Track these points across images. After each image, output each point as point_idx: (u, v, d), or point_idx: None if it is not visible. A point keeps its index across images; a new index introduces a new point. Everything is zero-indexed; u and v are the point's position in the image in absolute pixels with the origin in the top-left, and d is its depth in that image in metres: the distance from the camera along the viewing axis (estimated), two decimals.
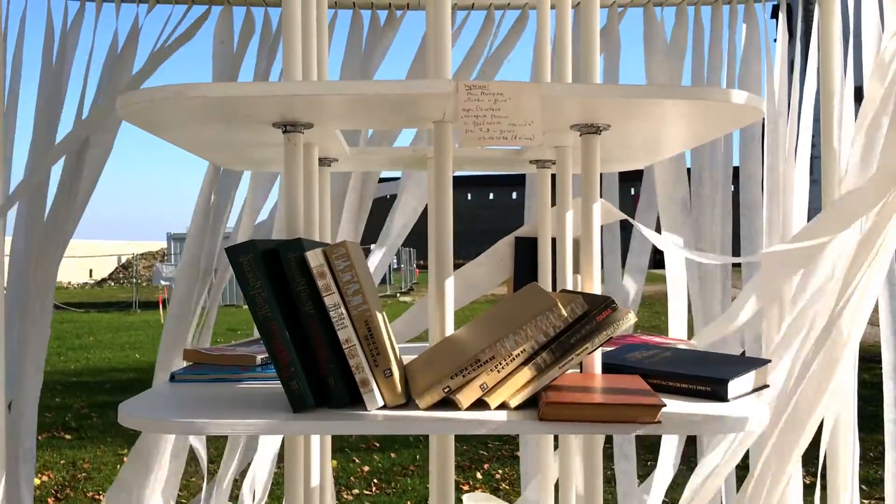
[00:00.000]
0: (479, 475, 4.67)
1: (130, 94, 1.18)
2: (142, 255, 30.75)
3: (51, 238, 2.37)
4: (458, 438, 5.29)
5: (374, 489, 4.44)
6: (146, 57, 2.49)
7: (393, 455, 5.08)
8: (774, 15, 2.81)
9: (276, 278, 1.17)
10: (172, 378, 1.46)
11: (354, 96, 1.17)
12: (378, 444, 5.30)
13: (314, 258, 1.16)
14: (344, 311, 1.16)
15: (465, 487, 4.47)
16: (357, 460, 4.96)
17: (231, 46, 2.52)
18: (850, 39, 2.29)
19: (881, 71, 1.87)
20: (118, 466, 5.00)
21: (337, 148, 1.61)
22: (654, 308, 14.29)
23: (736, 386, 1.27)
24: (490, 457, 5.03)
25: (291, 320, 1.17)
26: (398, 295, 19.23)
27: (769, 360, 1.36)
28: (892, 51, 1.85)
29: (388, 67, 2.78)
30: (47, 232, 2.37)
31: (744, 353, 2.43)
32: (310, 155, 1.50)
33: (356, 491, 4.41)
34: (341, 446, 5.20)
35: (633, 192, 2.69)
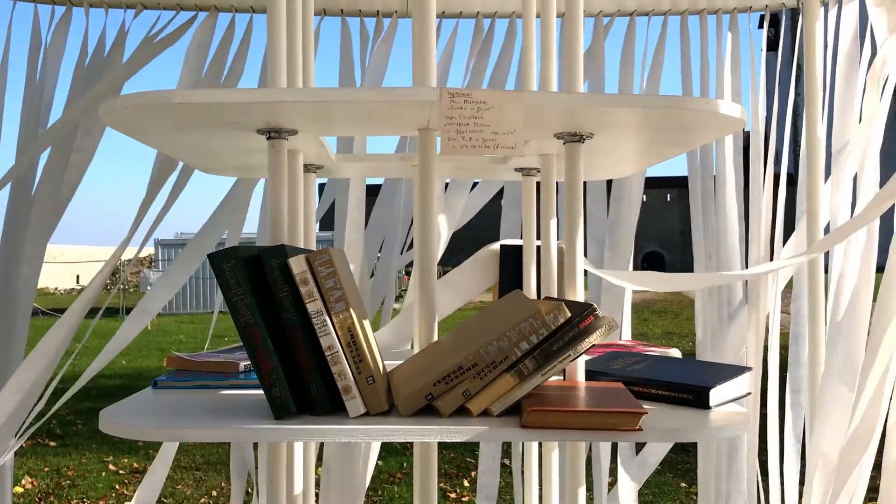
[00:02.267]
0: (466, 483, 4.66)
1: (114, 100, 1.18)
2: (129, 261, 30.57)
3: (31, 242, 2.36)
4: (446, 446, 5.27)
5: None
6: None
7: (380, 463, 5.06)
8: (763, 25, 2.83)
9: (258, 285, 1.17)
10: (155, 385, 1.45)
11: (338, 103, 1.17)
12: None
13: (297, 265, 1.16)
14: (327, 318, 1.16)
15: (452, 495, 4.46)
16: None
17: (207, 51, 2.52)
18: (827, 50, 2.31)
19: (874, 78, 1.89)
20: (103, 474, 4.97)
21: (322, 154, 1.61)
22: (641, 315, 14.32)
23: (718, 393, 1.28)
24: (478, 464, 5.02)
25: (274, 327, 1.17)
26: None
27: (750, 368, 1.37)
28: (882, 60, 1.87)
29: (394, 75, 2.79)
30: (29, 235, 2.36)
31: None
32: (294, 161, 1.50)
33: None
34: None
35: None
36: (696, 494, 4.18)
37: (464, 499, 4.40)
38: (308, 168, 1.73)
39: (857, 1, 2.26)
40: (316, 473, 4.86)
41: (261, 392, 1.35)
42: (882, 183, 2.00)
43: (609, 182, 2.51)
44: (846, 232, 1.76)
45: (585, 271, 1.75)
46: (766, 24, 2.70)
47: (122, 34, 2.50)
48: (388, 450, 5.31)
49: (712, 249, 2.57)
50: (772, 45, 2.90)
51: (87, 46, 2.48)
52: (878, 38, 1.94)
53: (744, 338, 2.43)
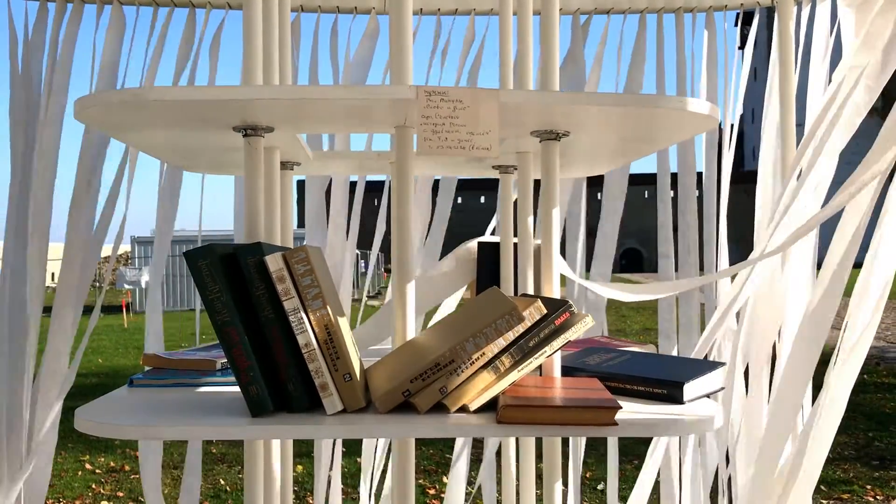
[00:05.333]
0: (445, 479, 4.67)
1: (87, 96, 1.18)
2: (105, 258, 30.29)
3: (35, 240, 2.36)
4: (424, 442, 5.28)
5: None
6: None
7: (359, 460, 5.05)
8: (738, 23, 2.86)
9: (235, 283, 1.17)
10: (131, 383, 1.44)
11: (315, 100, 1.17)
12: (344, 449, 5.27)
13: (273, 262, 1.16)
14: (303, 316, 1.16)
15: (432, 491, 4.47)
16: None
17: (191, 49, 2.51)
18: (800, 47, 2.34)
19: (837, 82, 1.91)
20: (79, 473, 4.92)
21: (299, 152, 1.61)
22: (619, 311, 14.41)
23: (692, 388, 1.29)
24: None
25: (250, 325, 1.17)
26: (366, 298, 19.16)
27: (724, 363, 1.39)
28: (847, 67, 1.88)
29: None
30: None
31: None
32: (271, 159, 1.50)
33: None
34: (307, 451, 5.16)
35: (598, 197, 2.72)
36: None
37: (443, 495, 4.41)
38: (285, 165, 1.72)
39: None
40: (295, 470, 4.82)
41: (238, 390, 1.35)
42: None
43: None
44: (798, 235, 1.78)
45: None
46: (739, 22, 2.73)
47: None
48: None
49: (692, 246, 2.60)
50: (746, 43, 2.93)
51: (57, 43, 2.45)
52: (844, 39, 1.96)
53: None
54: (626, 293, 1.92)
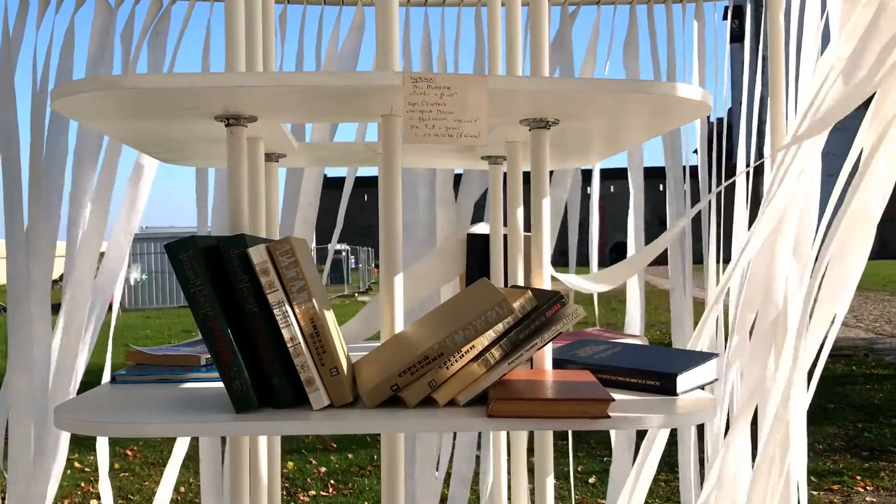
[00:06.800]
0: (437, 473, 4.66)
1: (64, 85, 1.14)
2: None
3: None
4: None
5: (330, 490, 4.40)
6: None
7: (350, 456, 5.04)
8: (727, 16, 2.84)
9: (217, 276, 1.14)
10: (113, 380, 1.41)
11: (298, 88, 1.14)
12: (335, 445, 5.25)
13: (257, 254, 1.13)
14: (288, 309, 1.13)
15: None
16: (314, 461, 4.91)
17: (165, 38, 2.47)
18: (790, 40, 2.32)
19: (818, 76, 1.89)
20: (68, 471, 4.88)
21: (284, 143, 1.58)
22: (609, 304, 14.40)
23: (685, 380, 1.27)
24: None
25: (234, 319, 1.14)
26: (356, 294, 19.13)
27: (717, 354, 1.37)
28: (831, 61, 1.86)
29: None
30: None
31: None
32: (255, 150, 1.47)
33: (312, 492, 4.36)
34: (297, 447, 5.14)
35: (588, 191, 2.70)
36: (664, 482, 4.22)
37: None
38: (270, 157, 1.69)
39: None
40: (286, 468, 4.80)
41: (222, 386, 1.32)
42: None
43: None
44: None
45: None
46: (729, 15, 2.71)
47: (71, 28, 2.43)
48: (358, 442, 5.29)
49: (684, 237, 2.59)
50: (736, 37, 2.91)
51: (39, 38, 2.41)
52: (832, 30, 1.94)
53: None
54: (593, 283, 1.91)
